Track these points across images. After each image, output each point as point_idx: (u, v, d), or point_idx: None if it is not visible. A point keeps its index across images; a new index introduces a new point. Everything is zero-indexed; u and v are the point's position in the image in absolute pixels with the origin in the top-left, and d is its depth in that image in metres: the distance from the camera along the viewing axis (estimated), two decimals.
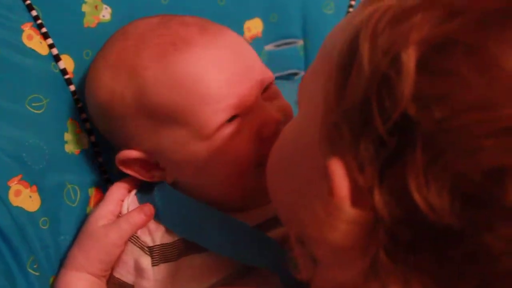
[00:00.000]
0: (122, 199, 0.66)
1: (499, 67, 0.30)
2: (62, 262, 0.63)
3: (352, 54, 0.35)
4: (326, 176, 0.36)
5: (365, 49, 0.34)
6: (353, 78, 0.34)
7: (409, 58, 0.32)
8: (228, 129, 0.60)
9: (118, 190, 0.67)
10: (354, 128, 0.34)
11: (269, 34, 0.84)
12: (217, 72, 0.60)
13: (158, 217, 0.64)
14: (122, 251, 0.63)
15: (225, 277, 0.62)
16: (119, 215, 0.65)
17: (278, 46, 0.86)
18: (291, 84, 0.87)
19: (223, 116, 0.59)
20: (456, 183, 0.31)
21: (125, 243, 0.63)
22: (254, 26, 0.82)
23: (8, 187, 0.58)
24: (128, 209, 0.65)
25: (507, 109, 0.29)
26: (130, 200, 0.66)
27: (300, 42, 0.87)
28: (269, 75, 0.65)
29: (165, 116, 0.60)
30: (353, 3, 0.87)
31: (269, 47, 0.85)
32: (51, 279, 0.62)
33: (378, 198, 0.33)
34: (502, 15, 0.31)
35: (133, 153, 0.64)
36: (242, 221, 0.62)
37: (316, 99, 0.40)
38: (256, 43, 0.84)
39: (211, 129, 0.59)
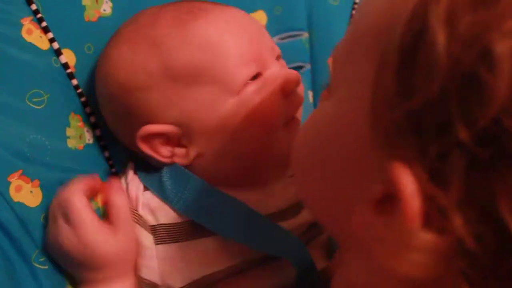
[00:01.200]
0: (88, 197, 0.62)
1: None
2: None
3: (417, 40, 0.29)
4: (381, 181, 0.31)
5: (440, 37, 0.28)
6: (423, 71, 0.29)
7: (505, 53, 0.26)
8: (254, 86, 0.61)
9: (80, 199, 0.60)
10: (424, 131, 0.29)
11: (274, 27, 0.83)
12: (237, 30, 0.63)
13: (164, 197, 0.62)
14: None
15: (234, 265, 0.61)
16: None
17: (283, 39, 0.85)
18: None
19: (247, 70, 0.61)
20: None
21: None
22: (258, 19, 0.81)
23: (9, 183, 0.58)
24: (128, 186, 0.64)
25: None
26: (130, 179, 0.65)
27: (305, 35, 0.86)
28: (277, 46, 0.68)
29: (192, 77, 0.61)
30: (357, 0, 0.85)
31: (274, 40, 0.83)
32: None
33: (458, 218, 0.28)
34: None
35: (157, 127, 0.62)
36: (257, 209, 0.62)
37: (360, 85, 0.35)
38: None
39: (238, 83, 0.61)
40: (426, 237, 0.28)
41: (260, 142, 0.62)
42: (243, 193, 0.63)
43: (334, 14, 0.85)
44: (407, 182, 0.29)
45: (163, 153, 0.63)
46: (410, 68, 0.30)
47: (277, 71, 0.64)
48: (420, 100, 0.29)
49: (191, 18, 0.62)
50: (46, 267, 0.59)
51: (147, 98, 0.62)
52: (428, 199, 0.28)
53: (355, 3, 0.85)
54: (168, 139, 0.63)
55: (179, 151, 0.63)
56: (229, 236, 0.60)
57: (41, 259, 0.59)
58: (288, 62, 0.85)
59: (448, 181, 0.28)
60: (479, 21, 0.27)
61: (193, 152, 0.63)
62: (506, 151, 0.27)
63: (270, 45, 0.66)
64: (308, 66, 0.86)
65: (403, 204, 0.29)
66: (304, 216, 0.65)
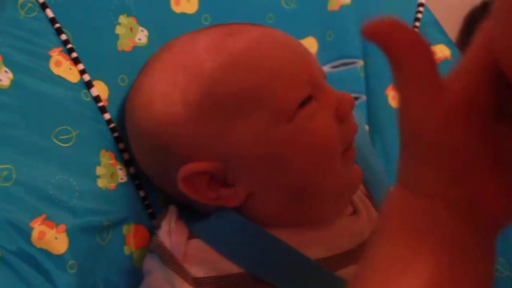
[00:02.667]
0: None
1: None
2: None
3: None
4: None
5: None
6: None
7: None
8: (307, 110, 0.55)
9: None
10: None
11: (325, 54, 0.77)
12: (284, 50, 0.58)
13: (215, 245, 0.56)
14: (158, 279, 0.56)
15: None
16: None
17: (336, 67, 0.78)
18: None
19: (300, 92, 0.55)
20: None
21: None
22: (308, 46, 0.75)
23: (31, 229, 0.53)
24: (172, 232, 0.57)
25: None
26: (174, 225, 0.58)
27: (360, 63, 0.79)
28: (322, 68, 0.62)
29: (239, 105, 0.54)
30: (419, 16, 0.78)
31: (325, 69, 0.77)
32: None
33: None
34: None
35: (200, 165, 0.55)
36: (310, 253, 0.56)
37: None
38: None
39: (291, 107, 0.54)
40: None
41: (319, 173, 0.56)
42: (303, 233, 0.57)
43: None
44: None
45: (208, 195, 0.56)
46: None
47: (331, 92, 0.58)
48: None
49: (232, 40, 0.57)
50: None
51: (186, 133, 0.56)
52: None
53: (415, 26, 0.78)
54: (212, 178, 0.56)
55: (226, 191, 0.56)
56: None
57: None
58: None
59: None
60: None
61: (242, 191, 0.56)
62: None
63: (318, 65, 0.61)
64: (363, 97, 0.79)
65: None
66: None
